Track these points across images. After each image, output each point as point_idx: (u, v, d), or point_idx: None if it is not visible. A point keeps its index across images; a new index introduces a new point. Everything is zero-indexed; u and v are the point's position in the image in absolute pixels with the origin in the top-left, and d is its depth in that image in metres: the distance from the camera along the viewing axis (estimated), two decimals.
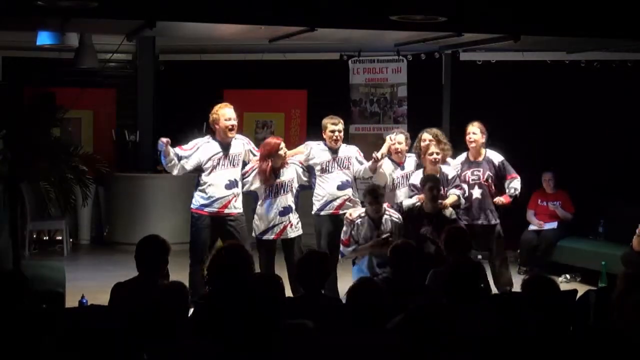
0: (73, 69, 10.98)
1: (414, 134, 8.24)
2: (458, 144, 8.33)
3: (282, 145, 7.53)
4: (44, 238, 11.29)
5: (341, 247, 7.42)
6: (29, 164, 7.49)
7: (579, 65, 10.81)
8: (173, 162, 7.46)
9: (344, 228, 7.41)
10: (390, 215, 7.35)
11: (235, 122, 7.54)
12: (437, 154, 7.64)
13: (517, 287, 8.00)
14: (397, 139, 7.87)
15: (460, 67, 11.18)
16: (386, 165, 7.83)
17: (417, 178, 7.64)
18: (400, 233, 7.27)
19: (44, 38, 9.65)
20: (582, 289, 6.06)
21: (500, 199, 7.91)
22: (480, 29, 7.69)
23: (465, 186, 7.86)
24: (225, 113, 7.51)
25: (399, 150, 7.86)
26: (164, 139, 7.40)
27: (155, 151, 11.17)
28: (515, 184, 8.02)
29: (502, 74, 10.99)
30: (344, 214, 7.60)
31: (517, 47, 9.33)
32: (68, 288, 6.97)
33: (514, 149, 9.93)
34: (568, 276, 9.30)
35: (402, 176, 7.85)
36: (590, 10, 6.96)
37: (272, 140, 7.66)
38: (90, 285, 7.82)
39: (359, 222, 7.30)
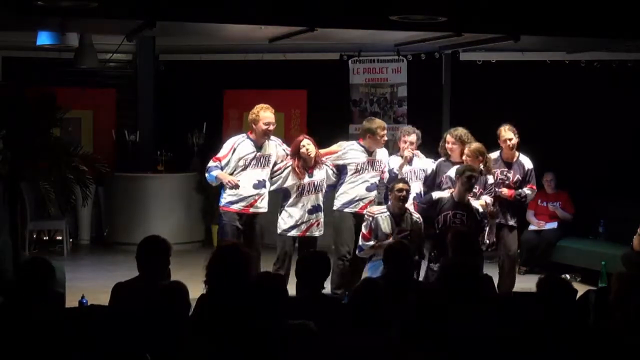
0: (73, 69, 10.98)
1: None
2: None
3: (304, 142, 7.59)
4: (44, 238, 11.28)
5: (360, 242, 7.47)
6: (29, 164, 7.49)
7: (579, 65, 10.80)
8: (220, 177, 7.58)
9: (365, 222, 7.46)
10: (411, 213, 7.39)
11: (273, 128, 7.63)
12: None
13: (516, 287, 8.02)
14: (409, 139, 7.88)
15: (460, 67, 11.18)
16: (395, 161, 7.91)
17: (454, 172, 7.61)
18: (420, 232, 7.34)
19: (44, 38, 9.64)
20: (582, 289, 6.05)
21: (504, 190, 7.90)
22: (480, 29, 7.69)
23: (493, 193, 7.83)
24: (266, 116, 7.55)
25: (411, 149, 7.89)
26: (233, 182, 7.49)
27: (156, 152, 11.33)
28: (528, 192, 8.02)
29: (502, 74, 10.99)
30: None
31: (517, 47, 9.33)
32: (68, 288, 6.96)
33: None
34: (568, 276, 9.28)
35: (410, 171, 7.86)
36: (590, 10, 6.96)
37: (298, 138, 7.80)
38: (90, 285, 7.82)
39: (381, 217, 7.34)
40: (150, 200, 11.08)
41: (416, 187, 7.83)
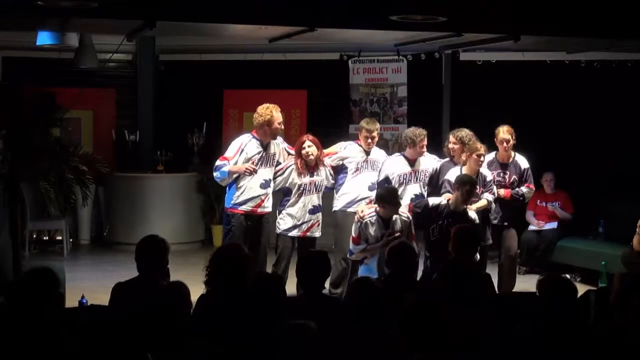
0: (73, 69, 10.98)
1: None
2: None
3: (307, 144, 7.60)
4: (44, 238, 11.29)
5: (350, 245, 7.42)
6: (29, 164, 7.50)
7: (579, 65, 10.80)
8: (231, 176, 7.54)
9: (354, 226, 7.40)
10: (400, 214, 7.32)
11: (283, 127, 7.70)
12: (484, 156, 7.64)
13: (516, 287, 8.03)
14: (425, 141, 7.82)
15: (460, 67, 11.18)
16: (397, 161, 7.88)
17: (453, 175, 7.58)
18: (409, 231, 7.27)
19: (44, 38, 9.64)
20: (582, 289, 6.05)
21: (500, 190, 7.90)
22: (480, 29, 7.69)
23: (494, 189, 7.84)
24: (279, 117, 7.57)
25: (424, 150, 7.84)
26: (251, 168, 7.47)
27: (156, 152, 11.33)
28: (525, 190, 8.04)
29: (502, 74, 10.99)
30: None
31: (517, 47, 9.32)
32: (68, 288, 6.96)
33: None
34: (568, 276, 9.28)
35: (412, 172, 7.85)
36: (590, 10, 6.96)
37: (301, 137, 7.82)
38: (90, 285, 7.83)
39: (369, 221, 7.28)
40: (150, 200, 11.08)
41: (416, 189, 7.82)
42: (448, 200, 7.33)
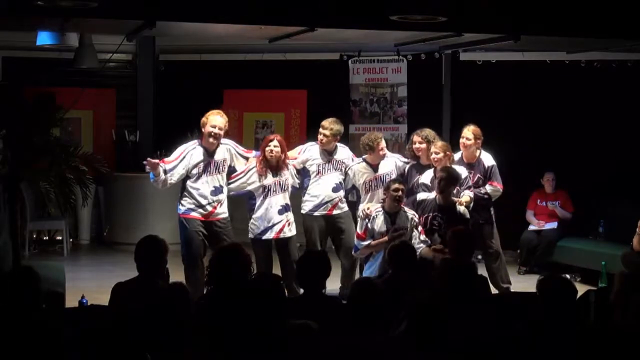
0: (73, 69, 10.98)
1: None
2: (458, 143, 8.35)
3: (273, 143, 7.54)
4: (44, 238, 11.28)
5: (355, 241, 7.43)
6: (29, 164, 7.50)
7: (579, 65, 10.80)
8: (160, 177, 7.50)
9: (360, 222, 7.42)
10: (406, 211, 7.33)
11: (219, 132, 7.49)
12: (437, 153, 7.64)
13: (516, 287, 8.03)
14: (382, 144, 7.88)
15: (460, 67, 11.17)
16: (359, 169, 7.91)
17: (427, 178, 7.65)
18: (415, 228, 7.28)
19: (44, 38, 9.65)
20: (582, 289, 6.05)
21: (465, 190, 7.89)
22: (480, 29, 7.69)
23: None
24: (212, 120, 7.49)
25: (384, 153, 7.89)
26: (152, 162, 7.42)
27: (156, 152, 11.32)
28: (489, 189, 7.98)
29: (502, 74, 10.98)
30: (337, 214, 7.76)
31: (517, 47, 9.33)
32: (68, 288, 6.98)
33: (513, 149, 9.95)
34: (568, 276, 9.28)
35: (375, 178, 7.86)
36: (590, 10, 6.96)
37: (269, 136, 7.78)
38: (90, 285, 7.83)
39: (375, 215, 7.30)
40: (150, 200, 11.05)
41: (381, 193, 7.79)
42: (436, 196, 7.38)
